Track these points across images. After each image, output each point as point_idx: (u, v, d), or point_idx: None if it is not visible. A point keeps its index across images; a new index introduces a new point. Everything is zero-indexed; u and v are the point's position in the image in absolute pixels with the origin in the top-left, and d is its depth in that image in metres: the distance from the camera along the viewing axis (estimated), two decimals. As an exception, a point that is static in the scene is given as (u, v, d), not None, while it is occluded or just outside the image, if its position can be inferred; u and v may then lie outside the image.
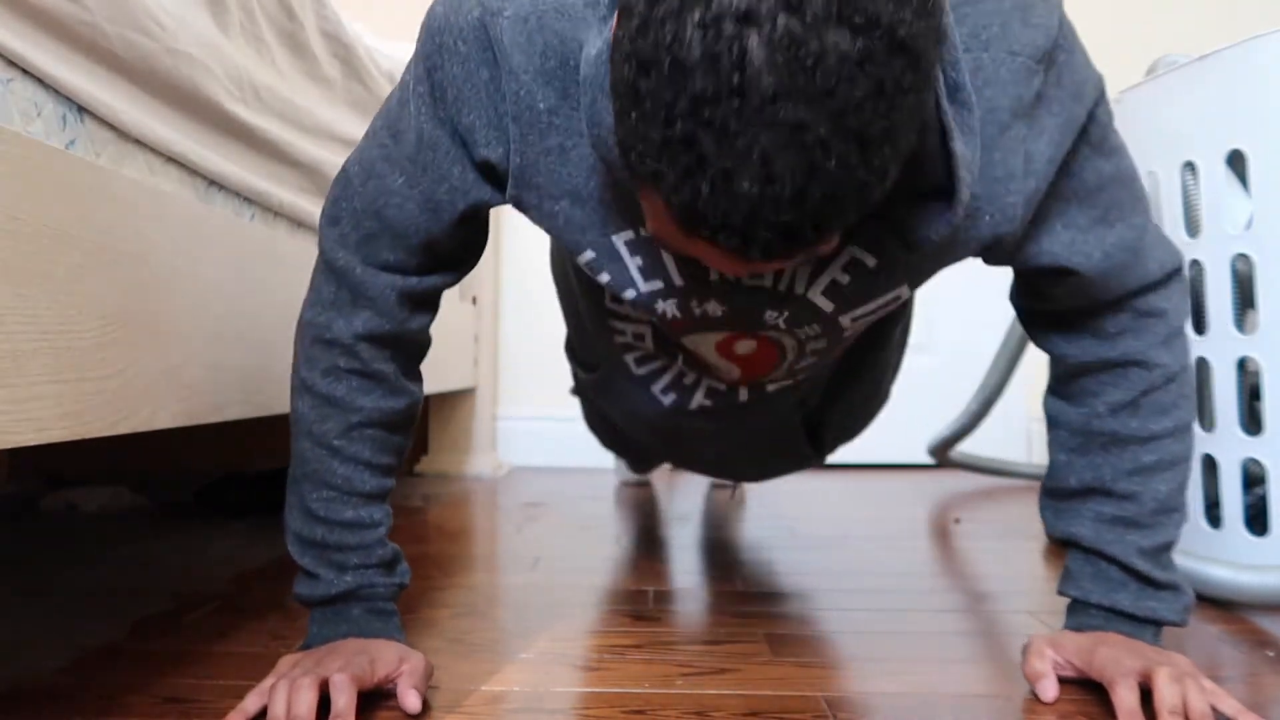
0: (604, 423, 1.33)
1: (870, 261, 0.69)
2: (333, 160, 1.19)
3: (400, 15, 1.97)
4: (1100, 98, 0.67)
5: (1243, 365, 1.05)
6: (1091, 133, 0.67)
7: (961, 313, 2.28)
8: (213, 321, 0.84)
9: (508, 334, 2.32)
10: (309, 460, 0.73)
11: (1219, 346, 1.07)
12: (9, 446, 0.55)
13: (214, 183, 0.94)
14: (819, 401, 1.07)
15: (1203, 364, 1.09)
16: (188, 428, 0.83)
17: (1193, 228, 1.09)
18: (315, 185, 1.16)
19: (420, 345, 0.77)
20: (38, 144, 0.61)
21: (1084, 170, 0.68)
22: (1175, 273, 0.75)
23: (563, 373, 2.09)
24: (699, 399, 0.96)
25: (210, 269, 0.84)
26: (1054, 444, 0.79)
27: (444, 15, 0.67)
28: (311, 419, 0.72)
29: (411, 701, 0.67)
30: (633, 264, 0.70)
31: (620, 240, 0.69)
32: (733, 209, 0.46)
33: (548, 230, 0.71)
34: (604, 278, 0.72)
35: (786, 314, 0.75)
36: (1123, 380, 0.74)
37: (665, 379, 0.96)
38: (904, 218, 0.62)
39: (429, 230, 0.70)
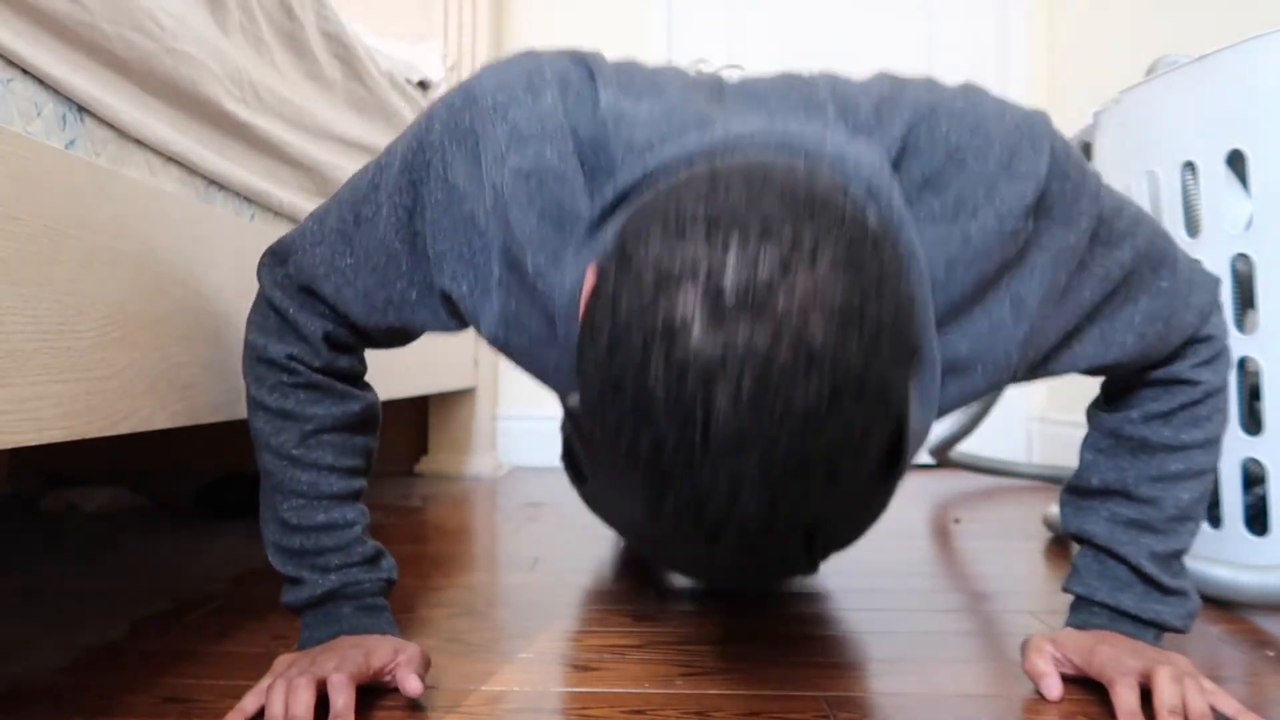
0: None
1: None
2: (332, 160, 1.19)
3: (400, 15, 1.97)
4: (1099, 195, 0.65)
5: (1243, 365, 1.05)
6: (1100, 234, 0.65)
7: (961, 313, 2.28)
8: (213, 321, 0.84)
9: (508, 334, 2.31)
10: (274, 473, 0.73)
11: (1219, 346, 1.07)
12: (9, 446, 0.55)
13: (214, 183, 0.94)
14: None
15: (1203, 364, 1.09)
16: (188, 428, 0.83)
17: (1193, 228, 1.09)
18: (315, 185, 1.16)
19: (355, 371, 0.76)
20: (38, 144, 0.61)
21: (1106, 270, 0.66)
22: (1213, 306, 0.73)
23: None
24: None
25: (210, 269, 0.84)
26: (1086, 444, 0.79)
27: (441, 134, 0.63)
28: (268, 433, 0.73)
29: (413, 685, 0.67)
30: None
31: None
32: (697, 535, 0.46)
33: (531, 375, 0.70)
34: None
35: None
36: (1165, 394, 0.74)
37: None
38: None
39: (360, 317, 0.70)
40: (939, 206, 0.59)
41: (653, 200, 0.47)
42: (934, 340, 0.60)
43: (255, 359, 0.73)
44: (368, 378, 0.78)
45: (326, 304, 0.71)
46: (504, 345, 0.66)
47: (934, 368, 0.59)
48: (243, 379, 0.75)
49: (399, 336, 0.73)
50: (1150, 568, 0.73)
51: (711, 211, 0.44)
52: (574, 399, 0.69)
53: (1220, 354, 0.74)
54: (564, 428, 1.13)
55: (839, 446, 0.43)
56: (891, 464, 0.52)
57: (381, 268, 0.67)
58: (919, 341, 0.55)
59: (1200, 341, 0.73)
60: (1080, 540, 0.78)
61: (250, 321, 0.75)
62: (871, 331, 0.43)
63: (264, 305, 0.74)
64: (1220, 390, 0.74)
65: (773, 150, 0.57)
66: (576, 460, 1.11)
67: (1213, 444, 0.75)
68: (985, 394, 0.68)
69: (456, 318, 0.68)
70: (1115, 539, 0.75)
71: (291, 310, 0.72)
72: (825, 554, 1.10)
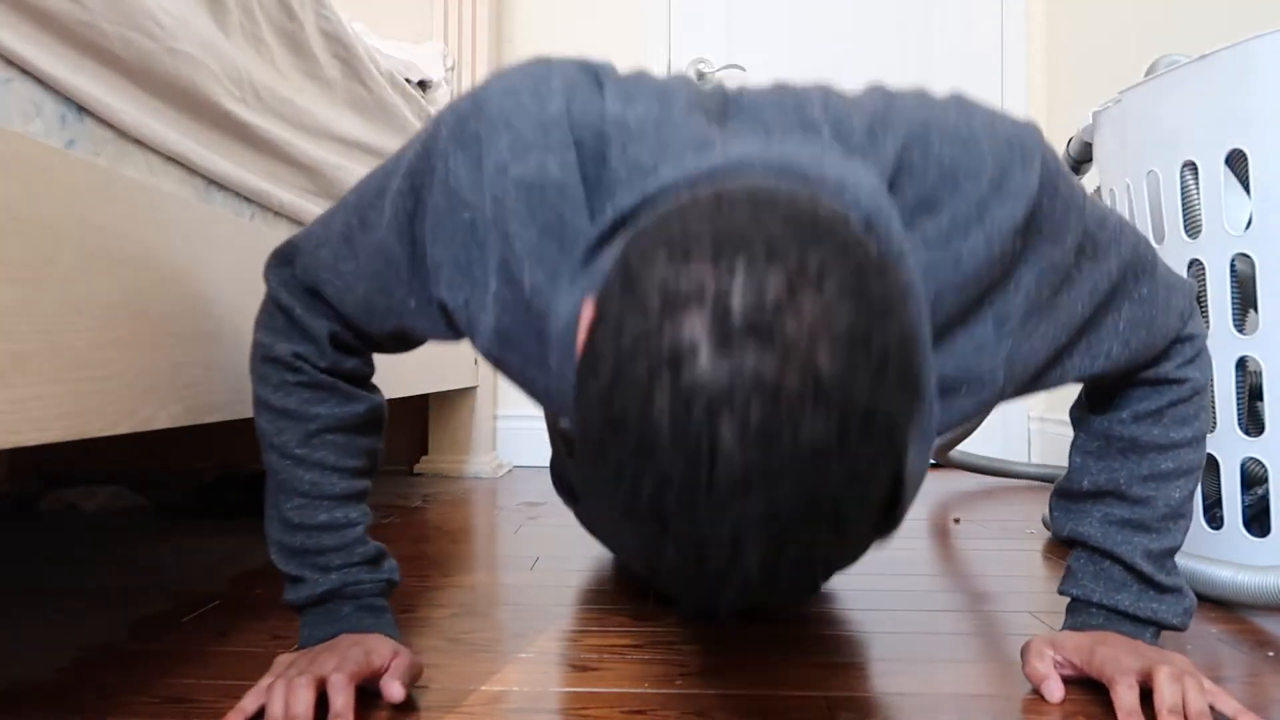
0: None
1: None
2: (333, 160, 1.19)
3: (400, 15, 1.97)
4: (1084, 208, 0.65)
5: (1243, 365, 1.05)
6: (1086, 248, 0.65)
7: (961, 313, 2.28)
8: (213, 321, 0.84)
9: (508, 334, 2.31)
10: (277, 471, 0.74)
11: (1219, 347, 1.07)
12: (9, 446, 0.55)
13: (214, 183, 0.94)
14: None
15: (1203, 364, 1.10)
16: (188, 428, 0.83)
17: (1193, 228, 1.09)
18: (315, 185, 1.16)
19: (363, 373, 0.77)
20: (37, 144, 0.61)
21: (1094, 284, 0.66)
22: (1191, 308, 0.74)
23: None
24: None
25: (210, 269, 0.84)
26: (1074, 447, 0.79)
27: (448, 139, 0.62)
28: (271, 432, 0.73)
29: (395, 691, 0.67)
30: None
31: None
32: (697, 583, 0.44)
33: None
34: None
35: None
36: (1153, 394, 0.75)
37: None
38: None
39: (362, 322, 0.71)
40: (933, 230, 0.59)
41: (656, 223, 0.46)
42: (933, 379, 0.59)
43: (261, 358, 0.74)
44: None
45: (330, 306, 0.72)
46: (497, 361, 0.65)
47: (933, 408, 0.58)
48: (250, 378, 0.75)
49: (403, 342, 0.74)
50: (1145, 566, 0.73)
51: (717, 234, 0.43)
52: (566, 422, 0.69)
53: (1201, 351, 0.75)
54: (553, 442, 1.12)
55: (844, 486, 0.42)
56: (891, 507, 0.51)
57: (382, 273, 0.67)
58: (922, 379, 0.55)
59: (1182, 341, 0.74)
60: (1073, 543, 0.78)
61: (258, 321, 0.75)
62: (878, 363, 0.41)
63: (271, 305, 0.74)
64: (1205, 388, 0.75)
65: (773, 175, 0.56)
66: (567, 479, 1.10)
67: (1199, 441, 0.76)
68: (973, 417, 0.67)
69: (454, 329, 0.68)
70: (1109, 539, 0.75)
71: (298, 310, 0.72)
72: (826, 578, 1.10)
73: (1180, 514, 0.75)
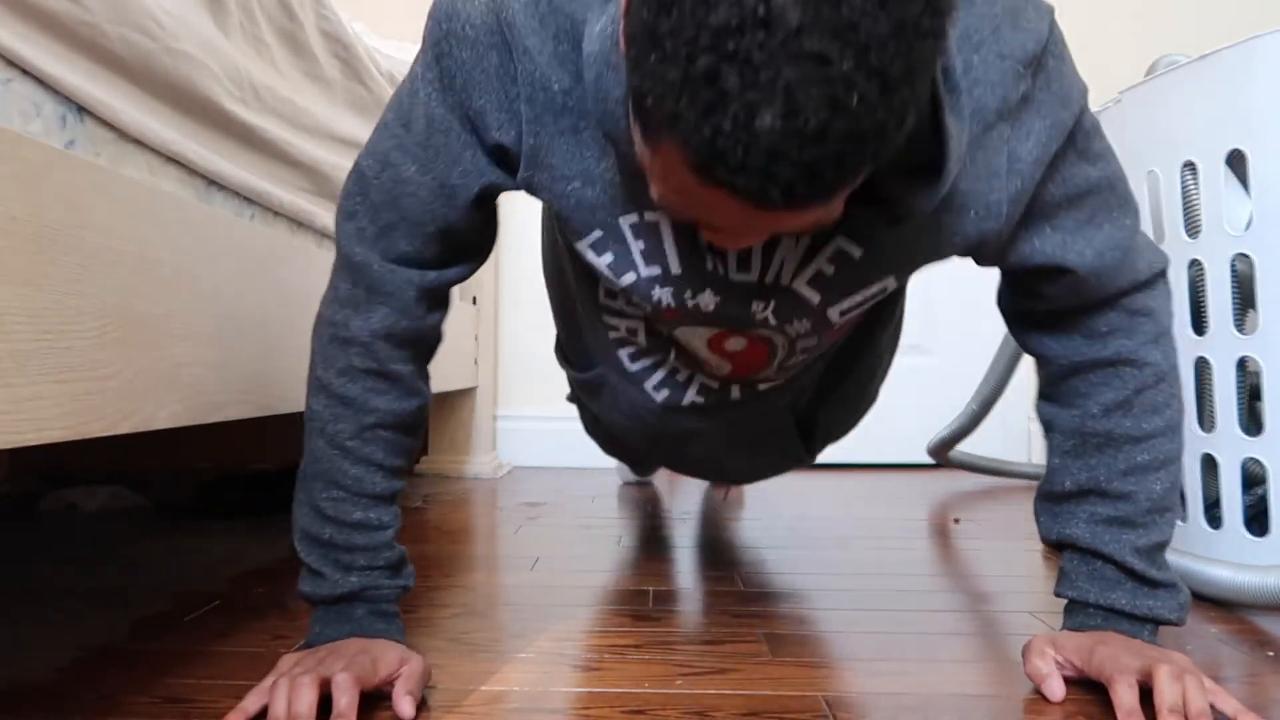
0: (600, 427, 1.34)
1: (856, 253, 0.71)
2: (333, 160, 1.19)
3: (400, 15, 1.97)
4: (1086, 106, 0.68)
5: (1243, 365, 1.05)
6: (1078, 139, 0.69)
7: (961, 313, 2.28)
8: (213, 321, 0.84)
9: (508, 334, 2.32)
10: (321, 459, 0.73)
11: (1219, 346, 1.07)
12: (9, 446, 0.55)
13: (214, 183, 0.94)
14: (810, 402, 1.08)
15: (1203, 364, 1.09)
16: (188, 428, 0.83)
17: (1193, 228, 1.09)
18: (315, 185, 1.16)
19: (433, 343, 0.78)
20: (37, 144, 0.61)
21: (1072, 176, 0.69)
22: (1161, 274, 0.76)
23: (562, 373, 2.09)
24: (691, 396, 0.96)
25: (210, 269, 0.84)
26: (1050, 449, 0.79)
27: (450, 2, 0.67)
28: (326, 418, 0.73)
29: (405, 708, 0.66)
30: (635, 247, 0.71)
31: (626, 223, 0.70)
32: (754, 145, 0.45)
33: (559, 211, 0.72)
34: (606, 258, 0.73)
35: (774, 304, 0.75)
36: (1115, 379, 0.75)
37: (658, 375, 0.97)
38: (891, 191, 0.63)
39: (445, 217, 0.71)
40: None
41: None
42: (960, 76, 0.60)
43: (329, 338, 0.73)
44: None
45: (410, 225, 0.71)
46: (535, 176, 0.69)
47: (962, 95, 0.60)
48: (312, 357, 0.74)
49: (488, 215, 0.75)
50: (1136, 563, 0.74)
51: None
52: (594, 235, 0.71)
53: (1165, 333, 0.76)
54: (561, 317, 1.11)
55: (891, 38, 0.44)
56: (935, 118, 0.57)
57: (445, 147, 0.69)
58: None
59: (1142, 289, 0.74)
60: (1061, 545, 0.78)
61: (327, 298, 0.75)
62: None
63: (344, 270, 0.73)
64: (1171, 374, 0.75)
65: None
66: (574, 356, 1.12)
67: (1174, 431, 0.75)
68: (974, 243, 0.70)
69: (512, 171, 0.70)
70: (1098, 538, 0.75)
71: (376, 264, 0.72)
72: (823, 444, 1.13)
73: (1165, 507, 0.75)
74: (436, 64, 0.68)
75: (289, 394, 1.00)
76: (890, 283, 0.74)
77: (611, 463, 2.09)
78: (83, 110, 0.74)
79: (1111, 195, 0.72)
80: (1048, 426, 0.80)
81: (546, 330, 2.14)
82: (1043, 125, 0.66)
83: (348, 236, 0.73)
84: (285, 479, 1.60)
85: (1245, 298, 1.06)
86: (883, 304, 0.91)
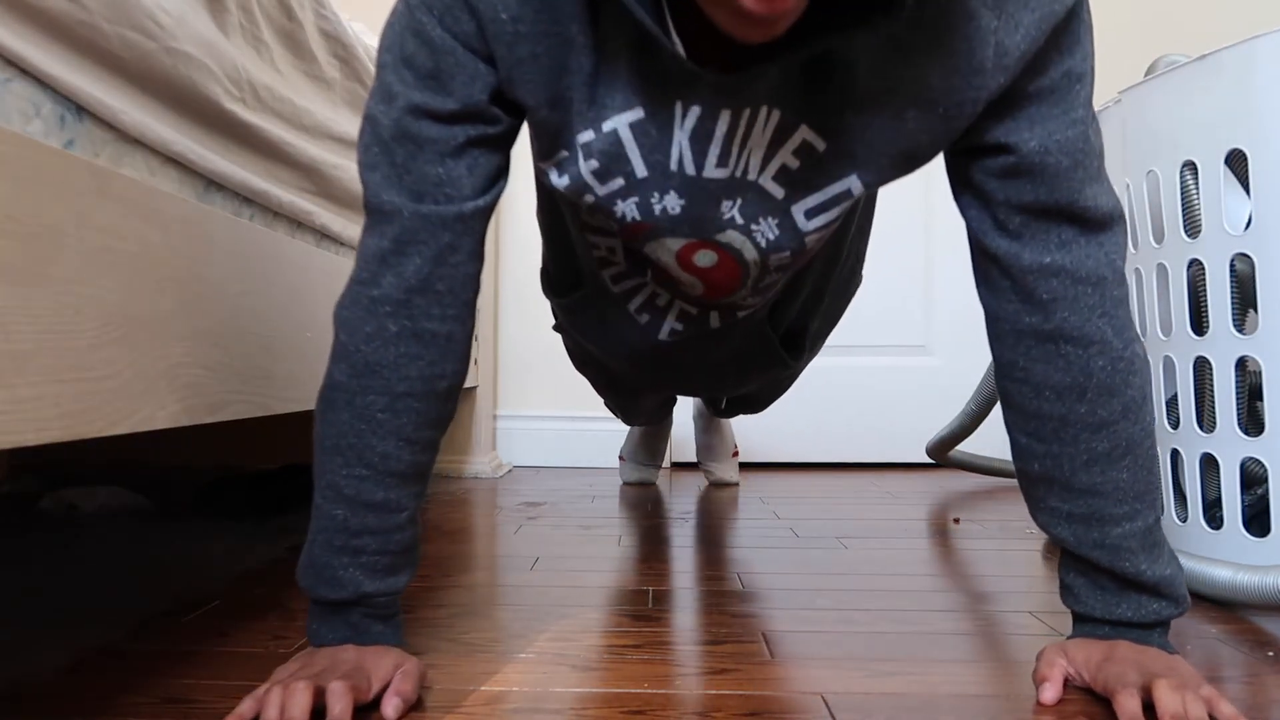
0: (588, 358, 1.36)
1: (820, 145, 0.70)
2: (332, 160, 1.19)
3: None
4: (1089, 56, 0.67)
5: (1242, 365, 1.05)
6: (1064, 36, 0.66)
7: (961, 312, 2.28)
8: (213, 321, 0.84)
9: (508, 334, 2.32)
10: (346, 434, 0.69)
11: (1219, 346, 1.07)
12: (9, 446, 0.55)
13: (213, 182, 0.94)
14: (793, 322, 1.12)
15: (1203, 364, 1.09)
16: (188, 428, 0.83)
17: (1192, 228, 1.09)
18: (315, 185, 1.16)
19: (469, 297, 0.73)
20: (37, 144, 0.61)
21: (1049, 68, 0.67)
22: (1112, 220, 0.71)
23: (562, 373, 2.09)
24: (671, 323, 0.98)
25: (210, 269, 0.84)
26: (1009, 425, 0.76)
27: None
28: (353, 389, 0.69)
29: (388, 710, 0.66)
30: (586, 167, 0.71)
31: (580, 141, 0.70)
32: None
33: (537, 137, 0.72)
34: (564, 181, 0.73)
35: (740, 202, 0.74)
36: (1059, 360, 0.71)
37: (639, 298, 0.98)
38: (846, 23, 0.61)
39: (467, 107, 0.68)
40: None
41: None
42: None
43: (354, 300, 0.69)
44: None
45: (433, 145, 0.68)
46: (518, 99, 0.68)
47: None
48: (334, 326, 0.71)
49: (508, 109, 0.71)
50: (1129, 566, 0.72)
51: None
52: (560, 154, 0.71)
53: (1117, 304, 0.71)
54: (551, 242, 1.10)
55: None
56: None
57: (455, 65, 0.67)
58: None
59: (1085, 230, 0.70)
60: (1052, 538, 0.77)
61: (355, 268, 0.70)
62: None
63: (375, 225, 0.70)
64: (1123, 351, 0.71)
65: None
66: (560, 278, 1.12)
67: (1133, 412, 0.72)
68: (941, 141, 0.69)
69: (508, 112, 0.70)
70: (1083, 542, 0.73)
71: (406, 210, 0.68)
72: (811, 350, 1.19)
73: (1139, 492, 0.72)
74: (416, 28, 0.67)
75: (289, 394, 1.00)
76: (854, 183, 0.72)
77: (611, 462, 2.09)
78: (82, 110, 0.74)
79: (1080, 91, 0.69)
80: (1004, 399, 0.76)
81: (547, 330, 2.15)
82: (1032, 19, 0.63)
83: (374, 186, 0.69)
84: (285, 479, 1.60)
85: (1245, 298, 1.05)
86: (850, 216, 0.93)
